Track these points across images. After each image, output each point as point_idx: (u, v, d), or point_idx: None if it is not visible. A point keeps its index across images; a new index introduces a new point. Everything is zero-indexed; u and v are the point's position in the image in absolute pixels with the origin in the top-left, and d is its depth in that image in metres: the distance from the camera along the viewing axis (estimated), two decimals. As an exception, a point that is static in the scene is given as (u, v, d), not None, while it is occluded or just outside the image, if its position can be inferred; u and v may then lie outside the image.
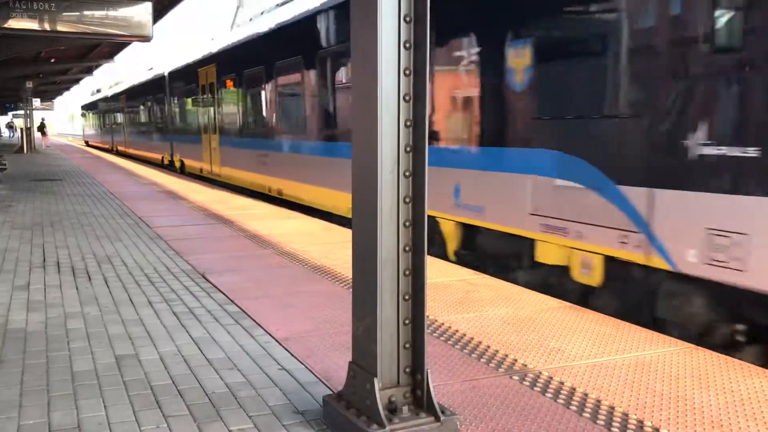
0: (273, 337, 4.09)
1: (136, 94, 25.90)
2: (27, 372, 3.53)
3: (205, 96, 16.31)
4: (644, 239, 4.86)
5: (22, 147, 32.52)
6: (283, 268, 6.09)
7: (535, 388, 3.29)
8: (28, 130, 33.40)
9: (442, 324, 4.36)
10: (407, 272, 2.74)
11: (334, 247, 7.18)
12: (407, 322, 2.76)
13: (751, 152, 4.12)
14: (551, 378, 3.43)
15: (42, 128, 47.08)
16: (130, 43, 23.56)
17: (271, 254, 6.77)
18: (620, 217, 5.03)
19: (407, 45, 2.64)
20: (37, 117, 43.42)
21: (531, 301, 5.01)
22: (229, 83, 14.41)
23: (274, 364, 3.63)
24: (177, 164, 19.43)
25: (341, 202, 9.67)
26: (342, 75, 9.72)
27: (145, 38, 13.71)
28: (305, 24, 10.59)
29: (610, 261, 5.23)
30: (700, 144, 4.43)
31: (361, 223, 2.78)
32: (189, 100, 17.99)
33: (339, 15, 9.60)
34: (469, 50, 6.74)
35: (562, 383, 3.36)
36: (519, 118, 6.12)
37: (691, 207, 4.51)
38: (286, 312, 4.65)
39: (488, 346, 3.92)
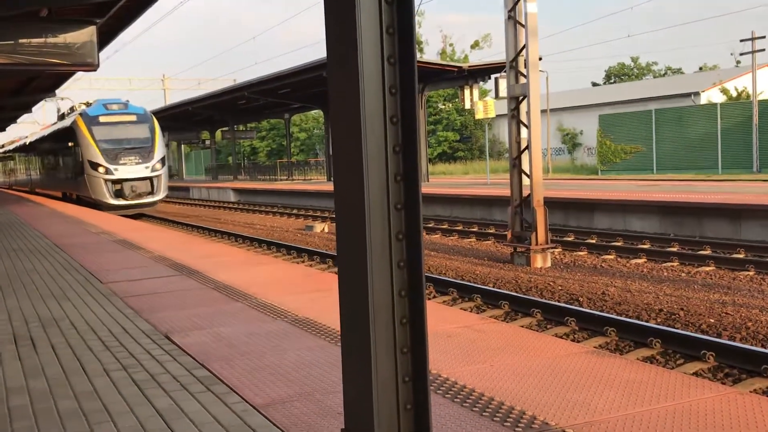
0: (251, 405, 4.03)
1: (17, 150, 53.31)
2: (-37, 460, 3.44)
3: (31, 156, 44.23)
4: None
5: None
6: (259, 323, 6.03)
7: (559, 449, 3.24)
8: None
9: (447, 379, 4.31)
10: (404, 321, 2.71)
11: (317, 296, 7.13)
12: (407, 379, 2.72)
13: None
14: (577, 436, 3.38)
15: None
16: (73, 74, 23.65)
17: (245, 308, 6.72)
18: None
19: (392, 60, 2.65)
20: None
21: (547, 347, 4.98)
22: (35, 152, 42.13)
23: (253, 436, 3.57)
24: (31, 188, 44.43)
25: (52, 192, 36.35)
26: (49, 156, 37.08)
27: (91, 66, 13.74)
28: (35, 141, 41.22)
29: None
30: None
31: (347, 266, 2.75)
32: (30, 155, 44.79)
33: (53, 137, 34.61)
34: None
35: (589, 441, 3.32)
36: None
37: None
38: (265, 374, 4.59)
39: (502, 402, 3.87)
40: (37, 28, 13.24)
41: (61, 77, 22.47)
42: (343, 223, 2.76)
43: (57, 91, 26.08)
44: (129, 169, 26.74)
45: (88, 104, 29.89)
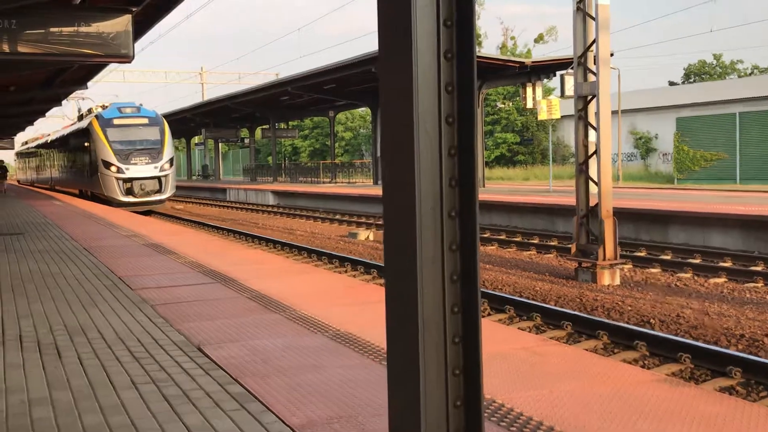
0: (287, 425, 4.05)
1: (38, 148, 59.58)
2: (-18, 474, 3.53)
3: (51, 154, 51.05)
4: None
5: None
6: (297, 337, 6.06)
7: (626, 487, 3.19)
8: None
9: (503, 405, 4.28)
10: (457, 339, 2.70)
11: (362, 309, 7.15)
12: (459, 403, 2.71)
13: None
14: (645, 473, 3.33)
15: (3, 173, 48.43)
16: (106, 66, 24.12)
17: (282, 320, 6.76)
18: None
19: (448, 55, 2.65)
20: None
21: (614, 373, 4.91)
22: (54, 150, 49.04)
23: (289, 460, 3.59)
24: (51, 186, 50.04)
25: (69, 190, 41.98)
26: (65, 155, 44.04)
27: (125, 58, 14.00)
28: (55, 140, 48.02)
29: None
30: None
31: (395, 278, 2.75)
32: (51, 153, 51.01)
33: (69, 137, 41.10)
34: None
35: (659, 479, 3.26)
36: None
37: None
38: (303, 392, 4.61)
39: (562, 433, 3.83)
40: (69, 16, 13.49)
41: (94, 69, 22.89)
42: (392, 231, 2.76)
43: (89, 84, 26.61)
44: (139, 169, 31.47)
45: (104, 107, 35.26)
